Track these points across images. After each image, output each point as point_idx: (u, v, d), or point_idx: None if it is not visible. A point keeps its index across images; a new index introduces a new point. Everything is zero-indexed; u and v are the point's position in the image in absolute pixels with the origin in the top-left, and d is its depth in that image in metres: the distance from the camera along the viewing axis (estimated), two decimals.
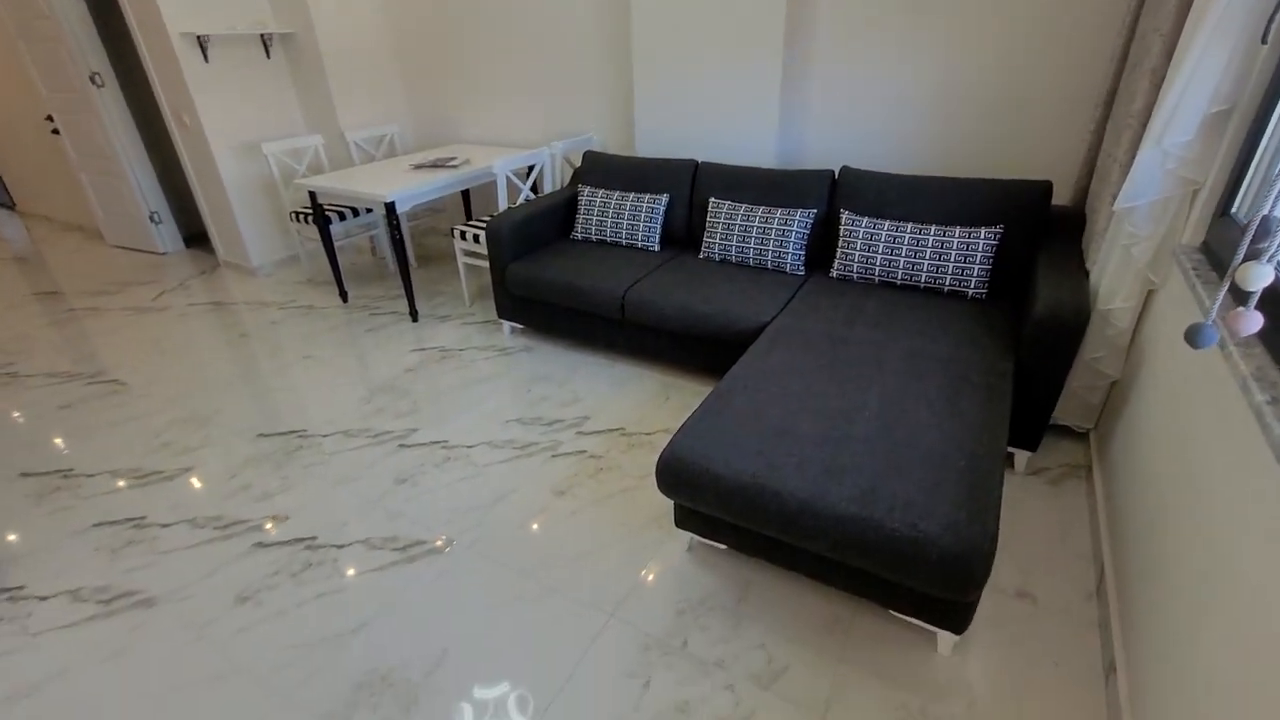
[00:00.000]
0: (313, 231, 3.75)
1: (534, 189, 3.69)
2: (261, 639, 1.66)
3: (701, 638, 1.61)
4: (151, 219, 4.58)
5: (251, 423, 2.60)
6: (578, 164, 3.73)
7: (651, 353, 2.74)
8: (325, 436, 2.49)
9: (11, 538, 2.04)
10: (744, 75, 2.86)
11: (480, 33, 3.82)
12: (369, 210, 3.91)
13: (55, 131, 4.54)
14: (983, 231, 2.34)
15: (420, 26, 4.07)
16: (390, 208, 3.09)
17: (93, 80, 4.11)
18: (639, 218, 3.02)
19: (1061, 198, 2.56)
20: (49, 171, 5.27)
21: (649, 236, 3.02)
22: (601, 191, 3.14)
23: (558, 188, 3.59)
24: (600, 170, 3.24)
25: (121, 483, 2.27)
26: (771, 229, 2.71)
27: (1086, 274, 2.07)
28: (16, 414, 2.73)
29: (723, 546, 1.77)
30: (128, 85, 4.32)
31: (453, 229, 3.43)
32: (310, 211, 3.72)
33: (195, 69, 3.67)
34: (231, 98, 3.87)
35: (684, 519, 1.78)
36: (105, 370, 3.06)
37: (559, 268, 2.85)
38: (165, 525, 2.06)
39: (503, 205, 3.26)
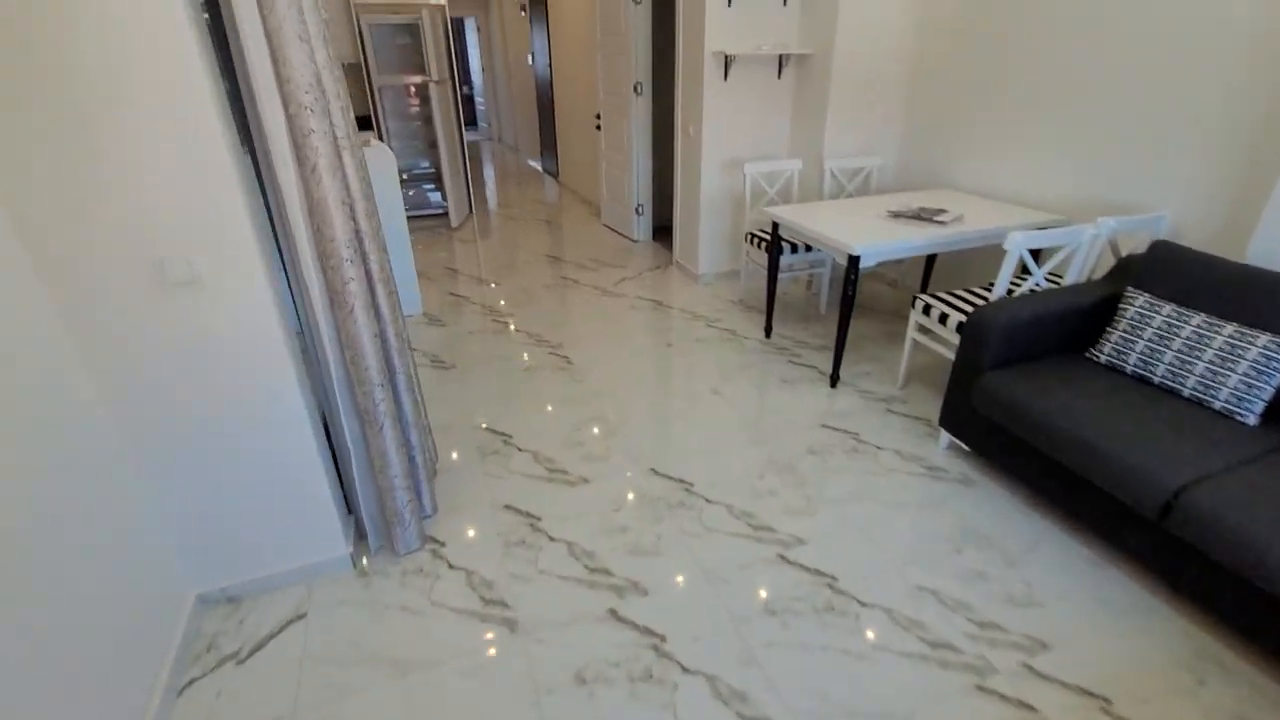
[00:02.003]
0: (761, 256, 3.62)
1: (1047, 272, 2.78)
2: None
3: None
4: (636, 211, 5.20)
5: (649, 450, 2.55)
6: (1126, 251, 2.66)
7: (1191, 588, 1.70)
8: (708, 502, 2.26)
9: (456, 489, 2.36)
10: None
11: (1023, 58, 3.01)
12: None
13: (598, 127, 5.50)
14: None
15: (947, 50, 3.46)
16: (854, 262, 2.66)
17: (635, 89, 4.75)
18: (1233, 365, 1.90)
19: None
20: (583, 155, 6.53)
21: (1245, 401, 1.88)
22: (1168, 306, 2.09)
23: (1085, 278, 2.61)
24: (1173, 272, 2.17)
25: (538, 469, 2.44)
26: None
27: None
28: (500, 363, 3.29)
29: None
30: (656, 95, 4.90)
31: (915, 297, 2.83)
32: (766, 237, 3.58)
33: (714, 85, 3.84)
34: (734, 114, 3.97)
35: None
36: (563, 344, 3.49)
37: (1065, 403, 1.99)
38: (552, 539, 2.10)
39: (1000, 288, 2.49)
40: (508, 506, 2.25)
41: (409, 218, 6.11)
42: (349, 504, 2.03)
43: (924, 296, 2.79)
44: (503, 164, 9.75)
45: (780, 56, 3.88)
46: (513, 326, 3.74)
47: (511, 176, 8.66)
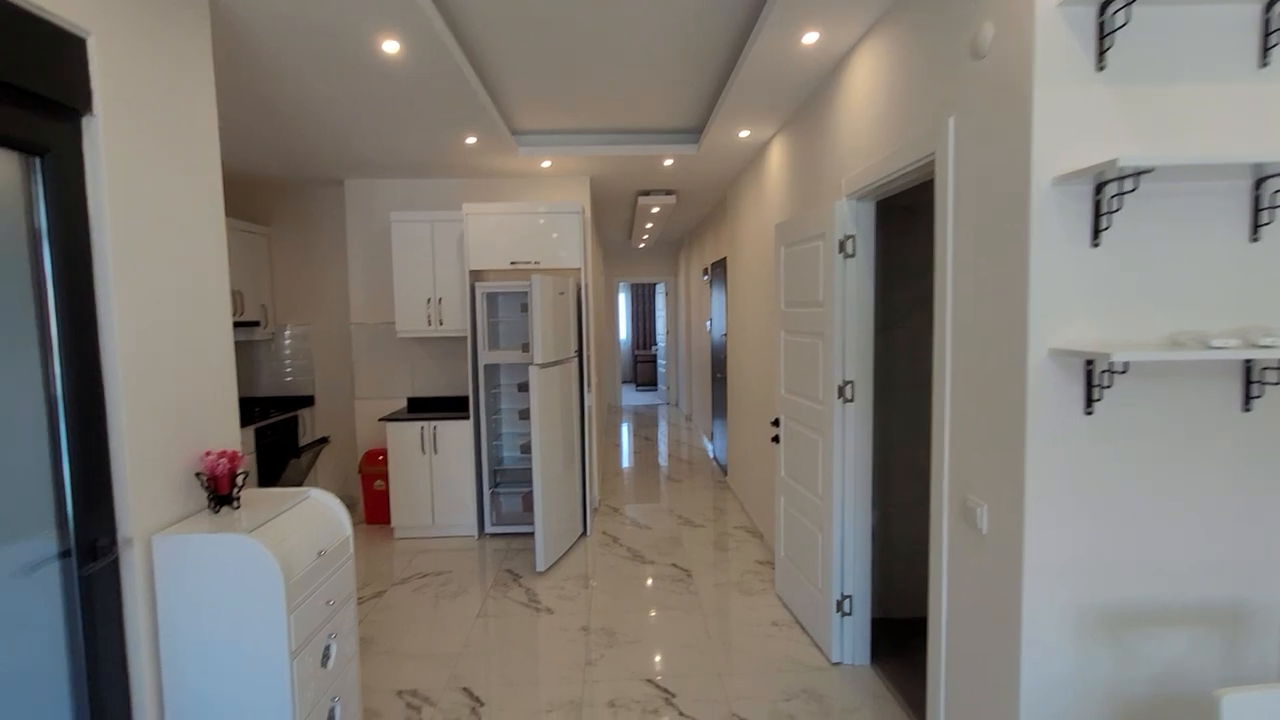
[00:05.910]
0: None
1: None
2: None
3: None
4: (838, 607, 2.69)
5: None
6: None
7: None
8: None
9: None
10: None
11: None
12: None
13: (775, 438, 3.36)
14: None
15: None
16: None
17: (841, 392, 2.61)
18: None
19: None
20: (756, 461, 4.34)
21: None
22: None
23: None
24: None
25: None
26: None
27: None
28: None
29: None
30: (884, 398, 2.70)
31: None
32: None
33: (1056, 422, 1.51)
34: (1112, 490, 1.52)
35: None
36: None
37: None
38: None
39: None
40: None
41: (493, 533, 4.19)
42: None
43: None
44: (674, 437, 8.06)
45: (1248, 361, 1.47)
46: None
47: (679, 459, 6.78)
